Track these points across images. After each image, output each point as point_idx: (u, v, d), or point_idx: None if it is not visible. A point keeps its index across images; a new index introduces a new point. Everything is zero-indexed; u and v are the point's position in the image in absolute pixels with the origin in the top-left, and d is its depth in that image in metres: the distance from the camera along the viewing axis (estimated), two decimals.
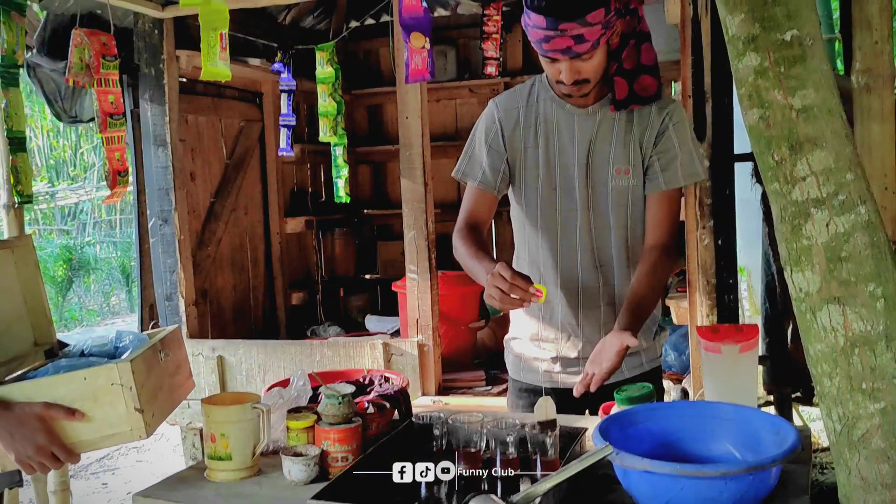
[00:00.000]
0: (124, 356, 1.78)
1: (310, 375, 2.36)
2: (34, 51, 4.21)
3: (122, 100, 2.62)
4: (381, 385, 2.84)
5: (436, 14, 5.19)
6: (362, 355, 3.99)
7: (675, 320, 4.29)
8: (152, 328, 4.39)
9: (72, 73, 2.51)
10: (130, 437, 1.63)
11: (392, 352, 3.95)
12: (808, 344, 1.50)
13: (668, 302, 4.27)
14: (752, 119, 1.76)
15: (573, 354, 2.12)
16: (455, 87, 6.02)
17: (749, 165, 3.46)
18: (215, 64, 2.09)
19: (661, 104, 2.01)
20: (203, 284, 4.72)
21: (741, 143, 3.01)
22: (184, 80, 4.42)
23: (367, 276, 6.26)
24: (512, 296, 1.74)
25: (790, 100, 1.64)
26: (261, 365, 4.14)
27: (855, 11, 2.30)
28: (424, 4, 2.00)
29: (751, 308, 4.80)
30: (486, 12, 4.91)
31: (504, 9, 5.00)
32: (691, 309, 3.26)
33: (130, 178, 3.67)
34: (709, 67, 3.35)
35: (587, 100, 2.00)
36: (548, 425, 1.56)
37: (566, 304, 2.10)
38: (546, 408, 1.62)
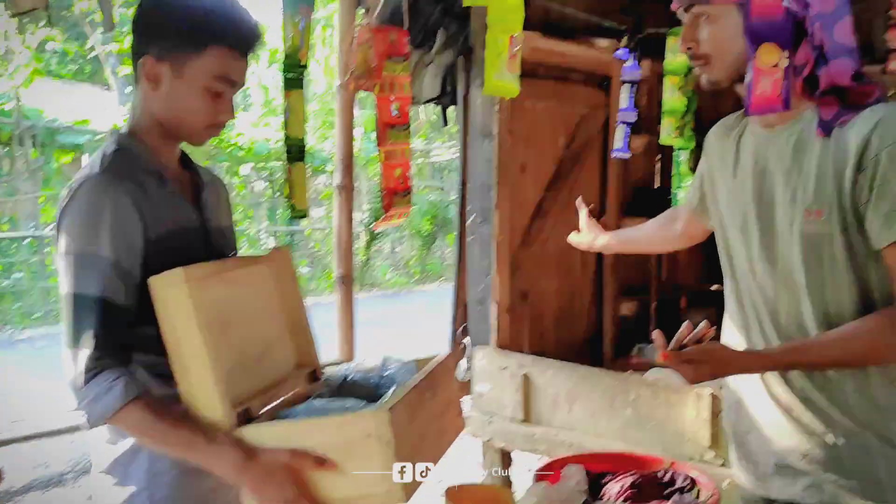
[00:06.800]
0: (384, 398, 1.52)
1: (591, 458, 1.98)
2: None
3: (407, 108, 2.24)
4: (682, 492, 2.25)
5: None
6: (685, 404, 3.33)
7: None
8: (462, 332, 4.15)
9: (353, 77, 2.17)
10: (387, 500, 1.42)
11: (722, 408, 3.24)
12: None
13: None
14: None
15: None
16: None
17: None
18: (501, 76, 1.61)
19: (864, 116, 1.37)
20: (524, 286, 4.34)
21: None
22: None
23: (713, 288, 5.48)
24: None
25: None
26: (569, 392, 3.68)
27: None
28: (786, 3, 1.31)
29: None
30: None
31: None
32: None
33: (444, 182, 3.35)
34: None
35: (774, 119, 1.48)
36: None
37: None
38: None
